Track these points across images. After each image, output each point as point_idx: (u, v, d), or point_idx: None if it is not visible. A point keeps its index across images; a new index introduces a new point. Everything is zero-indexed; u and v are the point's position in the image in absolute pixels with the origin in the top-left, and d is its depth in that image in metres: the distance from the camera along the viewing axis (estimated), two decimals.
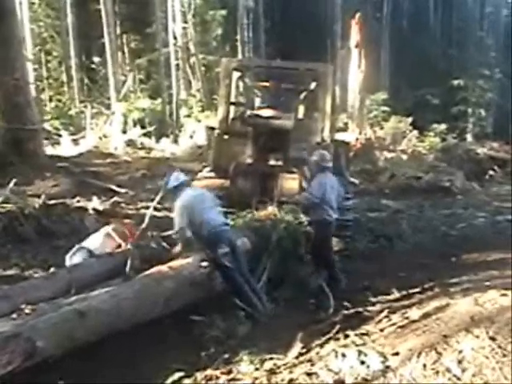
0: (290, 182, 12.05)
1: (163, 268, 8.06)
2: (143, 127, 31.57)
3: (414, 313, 7.69)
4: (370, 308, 8.84)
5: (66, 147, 25.66)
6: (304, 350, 6.89)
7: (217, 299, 8.63)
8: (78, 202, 15.15)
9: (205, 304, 8.39)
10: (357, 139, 27.03)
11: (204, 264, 8.48)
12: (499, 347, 5.57)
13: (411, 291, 9.55)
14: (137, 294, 7.36)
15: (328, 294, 9.57)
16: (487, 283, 9.32)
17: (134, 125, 31.55)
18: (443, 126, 38.47)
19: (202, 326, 7.99)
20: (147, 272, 7.96)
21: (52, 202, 14.09)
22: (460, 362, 5.41)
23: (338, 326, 7.64)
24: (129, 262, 8.32)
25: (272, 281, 9.48)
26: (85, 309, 6.54)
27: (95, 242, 9.54)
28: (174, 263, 8.29)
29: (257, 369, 6.46)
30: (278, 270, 9.68)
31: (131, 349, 6.93)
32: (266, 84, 15.09)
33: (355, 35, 24.95)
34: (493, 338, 5.75)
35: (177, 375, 6.40)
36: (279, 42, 45.97)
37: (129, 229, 10.00)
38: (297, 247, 10.32)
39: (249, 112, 13.36)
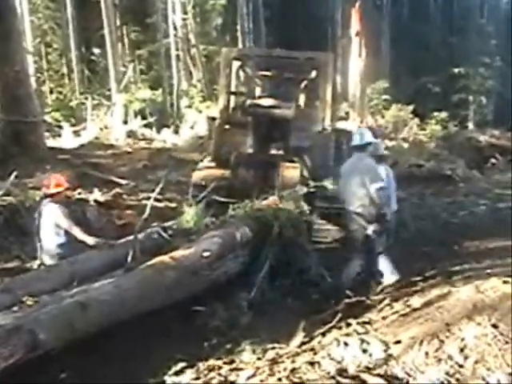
0: (291, 172, 12.02)
1: (165, 258, 8.04)
2: (144, 118, 31.56)
3: (416, 301, 7.70)
4: (372, 296, 8.85)
5: (66, 139, 25.57)
6: (306, 339, 6.91)
7: (219, 289, 8.64)
8: (80, 193, 15.13)
9: (207, 294, 8.39)
10: (358, 128, 27.01)
11: (206, 254, 8.46)
12: (501, 334, 5.56)
13: (413, 279, 9.56)
14: (139, 284, 7.35)
15: (331, 286, 9.57)
16: (489, 271, 9.34)
17: (135, 116, 31.52)
18: (444, 114, 38.41)
19: (204, 316, 8.00)
20: (149, 262, 7.95)
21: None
22: (462, 349, 5.41)
23: (339, 315, 7.64)
24: (130, 253, 8.31)
25: (274, 270, 9.46)
26: (87, 300, 6.53)
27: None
28: (176, 253, 8.28)
29: (259, 358, 6.48)
30: (280, 259, 9.65)
31: (133, 340, 6.93)
32: (267, 73, 15.09)
33: (355, 24, 24.92)
34: (495, 326, 5.74)
35: (179, 365, 6.41)
36: (279, 32, 45.90)
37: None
38: (298, 236, 10.28)
39: (249, 101, 13.34)
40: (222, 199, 10.99)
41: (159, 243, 9.22)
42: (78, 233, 9.20)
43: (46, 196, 9.53)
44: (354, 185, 9.59)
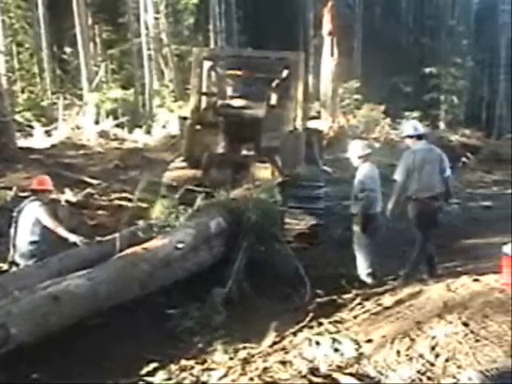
0: (263, 172, 12.02)
1: (138, 249, 7.95)
2: (116, 118, 31.46)
3: (388, 300, 7.72)
4: (343, 295, 8.86)
5: (38, 139, 25.47)
6: (278, 339, 6.90)
7: (192, 282, 8.57)
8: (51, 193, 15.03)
9: (180, 285, 8.33)
10: (330, 127, 27.15)
11: (180, 246, 8.38)
12: (472, 332, 5.59)
13: (385, 278, 9.61)
14: (112, 276, 7.25)
15: (305, 280, 9.52)
16: (460, 269, 9.42)
17: (107, 115, 31.43)
18: (416, 114, 38.61)
19: (177, 315, 7.96)
20: (122, 254, 7.86)
21: (24, 194, 13.97)
22: (433, 347, 5.43)
23: (311, 314, 7.65)
24: (117, 249, 8.22)
25: (247, 263, 9.38)
26: (59, 293, 6.44)
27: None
28: (149, 244, 8.19)
29: (231, 358, 6.47)
30: (253, 251, 9.60)
31: (104, 340, 6.90)
32: (238, 73, 15.07)
33: (328, 23, 25.04)
34: (466, 324, 5.77)
35: (151, 366, 6.38)
36: (252, 31, 45.93)
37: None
38: (271, 226, 10.16)
39: (220, 102, 13.32)
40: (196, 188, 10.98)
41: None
42: (62, 231, 9.17)
43: (29, 190, 9.51)
44: (429, 172, 9.74)
